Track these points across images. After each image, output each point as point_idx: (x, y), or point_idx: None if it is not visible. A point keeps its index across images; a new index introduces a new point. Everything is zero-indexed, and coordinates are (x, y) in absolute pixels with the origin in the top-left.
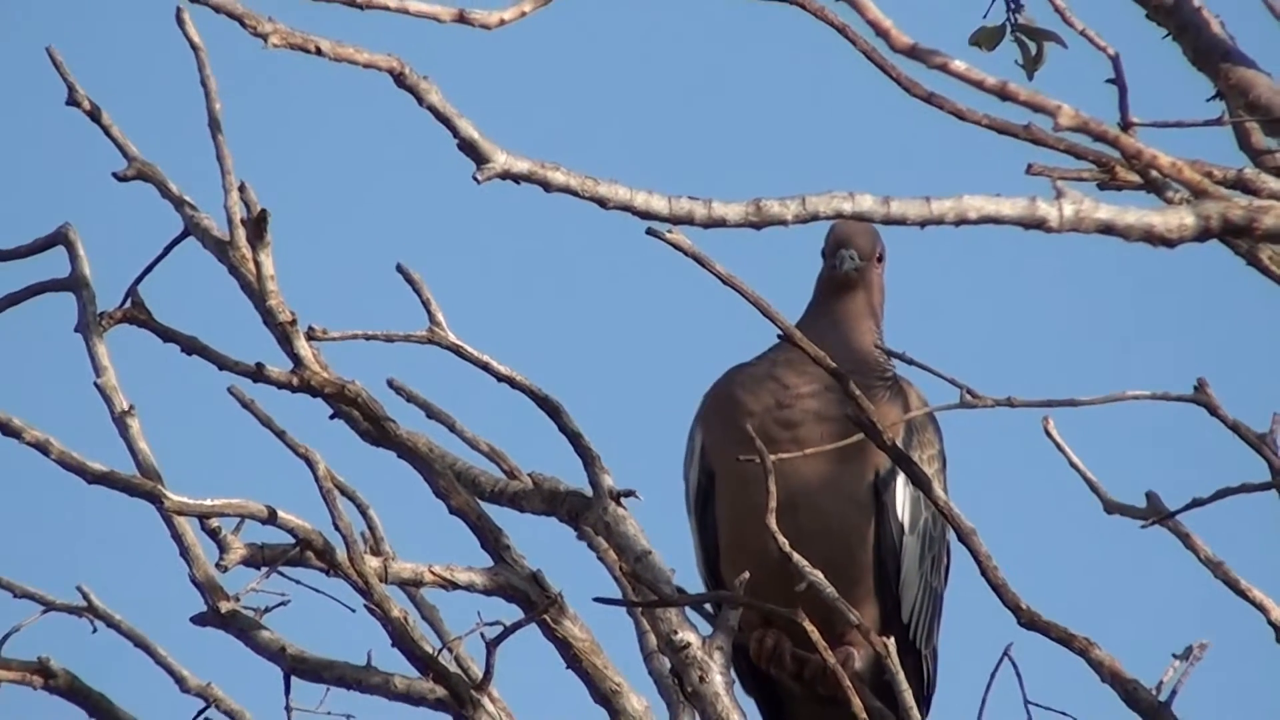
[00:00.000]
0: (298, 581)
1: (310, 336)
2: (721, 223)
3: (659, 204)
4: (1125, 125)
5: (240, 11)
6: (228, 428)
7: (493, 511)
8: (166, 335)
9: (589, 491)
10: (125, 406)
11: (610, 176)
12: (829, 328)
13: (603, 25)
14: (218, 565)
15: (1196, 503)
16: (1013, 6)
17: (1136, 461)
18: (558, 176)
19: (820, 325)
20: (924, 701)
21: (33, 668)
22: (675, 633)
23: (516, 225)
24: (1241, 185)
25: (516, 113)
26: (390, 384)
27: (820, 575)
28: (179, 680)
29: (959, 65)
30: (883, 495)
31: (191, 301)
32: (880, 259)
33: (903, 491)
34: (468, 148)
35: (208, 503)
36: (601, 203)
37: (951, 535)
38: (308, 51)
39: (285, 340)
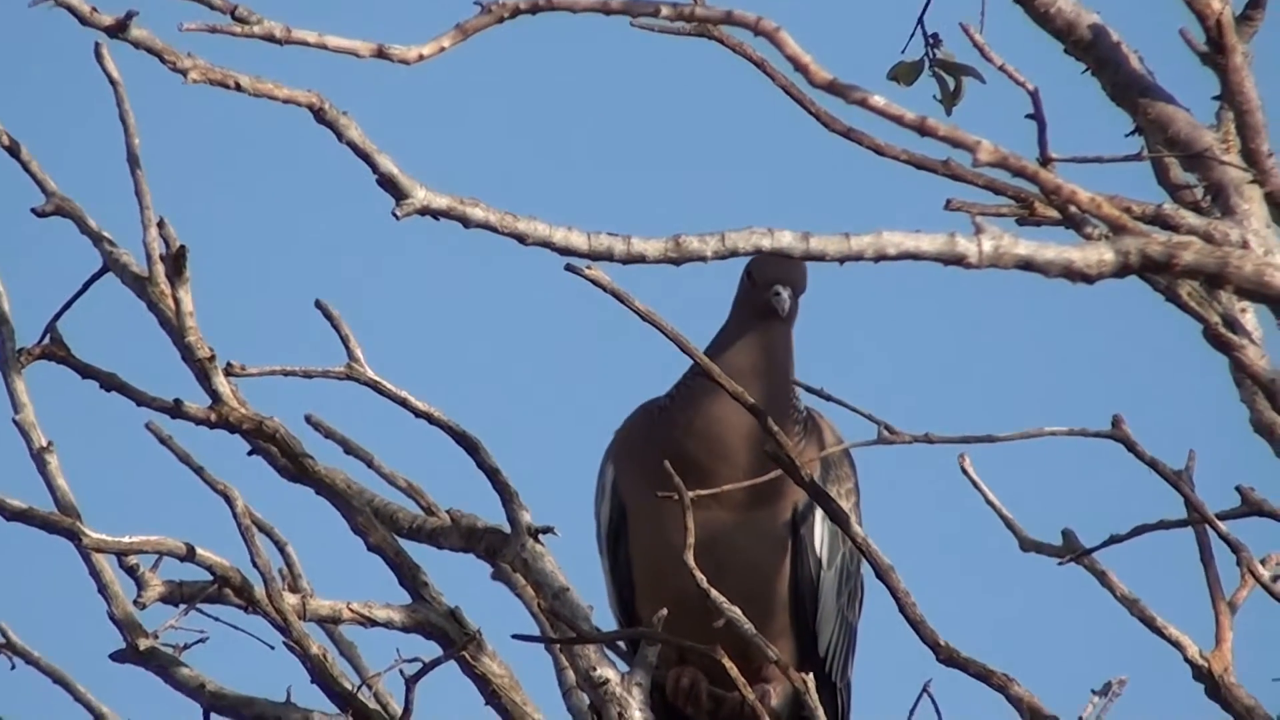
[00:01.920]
0: (216, 618)
1: (228, 372)
2: (641, 259)
3: (578, 240)
4: (1044, 160)
5: (160, 47)
6: (146, 464)
7: (411, 548)
8: (85, 371)
9: (507, 528)
10: (44, 443)
11: (530, 212)
12: (748, 361)
13: (521, 61)
14: (136, 602)
15: (1113, 539)
16: (931, 42)
17: (1054, 497)
18: (477, 212)
19: (739, 358)
20: None
21: None
22: (594, 669)
23: (435, 261)
24: (1160, 220)
25: (436, 148)
26: (308, 420)
27: (738, 611)
28: (98, 717)
29: (878, 100)
30: (800, 531)
31: (110, 338)
32: (804, 289)
33: (820, 527)
34: (387, 183)
35: (126, 540)
36: (520, 239)
37: (867, 570)
38: (227, 87)
39: (204, 376)
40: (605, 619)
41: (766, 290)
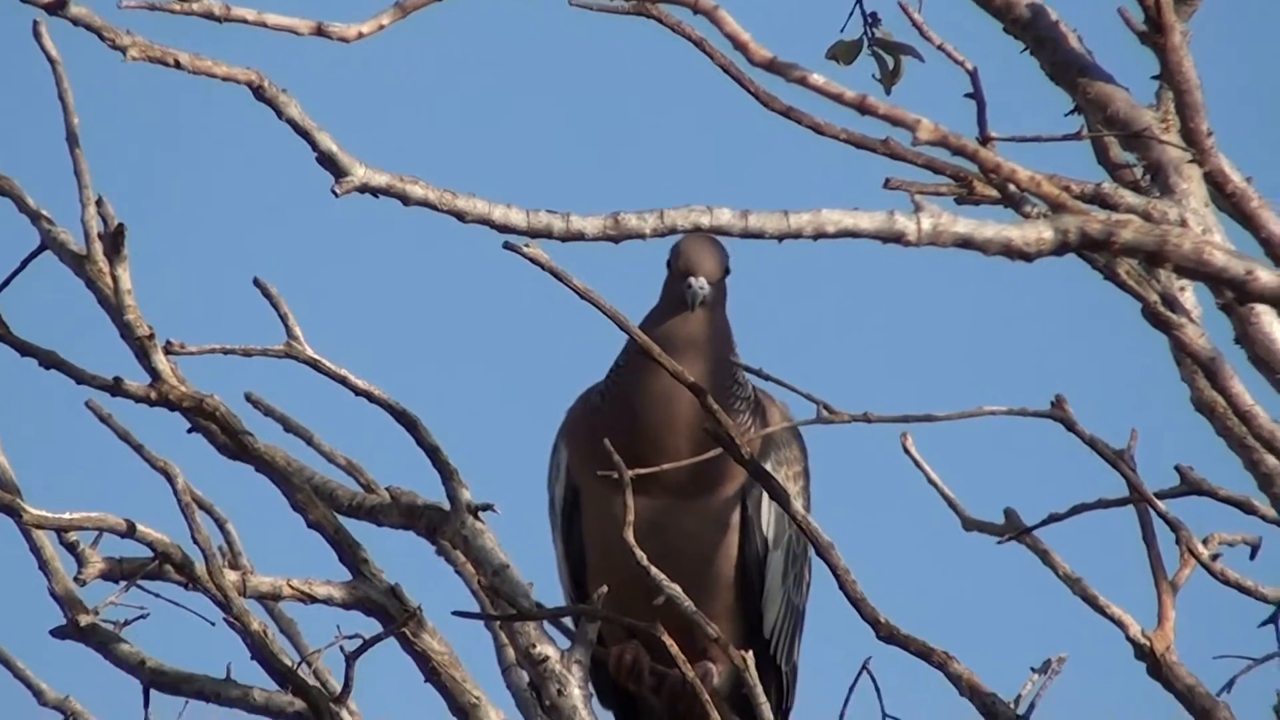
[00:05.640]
0: (157, 595)
1: (168, 350)
2: (580, 236)
3: (517, 217)
4: (984, 139)
5: (99, 24)
6: (86, 441)
7: (351, 525)
8: (24, 349)
9: (447, 505)
10: None
11: (470, 190)
12: (684, 342)
13: (460, 38)
14: (76, 579)
15: (1053, 518)
16: (870, 21)
17: (995, 476)
18: (416, 190)
19: (675, 339)
20: (781, 716)
21: None
22: (534, 646)
23: (375, 239)
24: (1099, 199)
25: (376, 125)
26: (248, 398)
27: (678, 589)
28: (37, 694)
29: (818, 79)
30: (748, 511)
31: (49, 315)
32: (728, 271)
33: (768, 507)
34: (327, 161)
35: (66, 516)
36: (460, 216)
37: (813, 551)
38: (167, 64)
39: (143, 354)
40: (546, 596)
41: (681, 281)
